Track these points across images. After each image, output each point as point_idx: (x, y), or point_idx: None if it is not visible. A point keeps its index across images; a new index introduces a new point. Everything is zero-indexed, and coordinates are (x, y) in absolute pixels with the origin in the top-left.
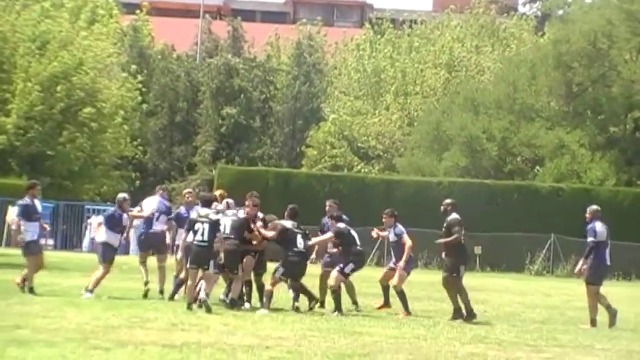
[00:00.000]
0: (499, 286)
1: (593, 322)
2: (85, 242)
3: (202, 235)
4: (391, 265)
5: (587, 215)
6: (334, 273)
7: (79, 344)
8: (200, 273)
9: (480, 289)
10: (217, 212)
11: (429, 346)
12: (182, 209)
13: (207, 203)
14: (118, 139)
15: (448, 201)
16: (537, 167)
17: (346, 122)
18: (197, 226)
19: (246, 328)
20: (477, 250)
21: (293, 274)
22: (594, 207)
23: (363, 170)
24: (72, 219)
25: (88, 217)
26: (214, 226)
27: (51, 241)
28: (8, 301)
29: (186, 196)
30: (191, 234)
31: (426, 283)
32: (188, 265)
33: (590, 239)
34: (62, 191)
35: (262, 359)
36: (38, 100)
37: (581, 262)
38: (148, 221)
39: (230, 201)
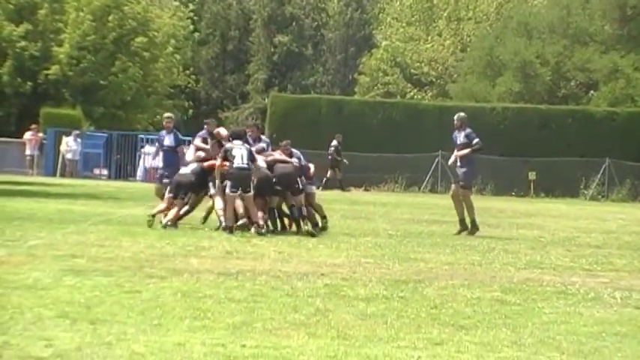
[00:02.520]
0: (554, 212)
1: None
2: (139, 172)
3: (242, 159)
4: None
5: None
6: None
7: (134, 273)
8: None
9: (534, 214)
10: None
11: (484, 272)
12: (162, 133)
13: (238, 136)
14: (170, 68)
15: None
16: (591, 91)
17: (399, 49)
18: (235, 151)
19: (300, 255)
20: (532, 175)
21: (237, 185)
22: None
23: (415, 97)
24: (125, 149)
25: (142, 147)
26: (252, 152)
27: (105, 171)
28: (64, 231)
29: (166, 121)
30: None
31: (480, 209)
32: (228, 190)
33: None
34: (115, 121)
35: (317, 286)
36: (90, 30)
37: None
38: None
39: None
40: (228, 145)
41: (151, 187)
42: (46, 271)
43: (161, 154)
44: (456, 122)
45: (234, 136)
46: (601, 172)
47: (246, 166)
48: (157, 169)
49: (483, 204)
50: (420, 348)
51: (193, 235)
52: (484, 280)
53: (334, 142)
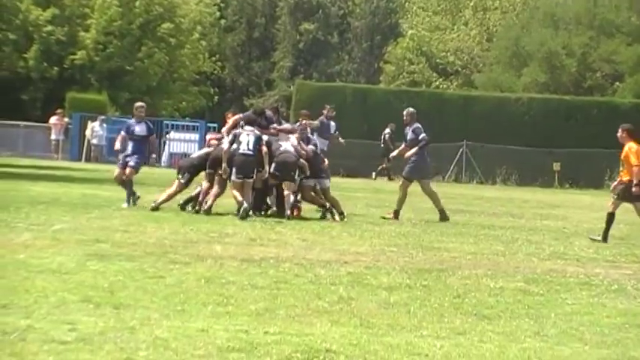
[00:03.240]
0: (578, 203)
1: None
2: (164, 157)
3: (247, 145)
4: None
5: None
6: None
7: (158, 258)
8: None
9: (558, 205)
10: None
11: (508, 262)
12: (132, 122)
13: (250, 122)
14: (196, 54)
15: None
16: (617, 83)
17: (424, 38)
18: (242, 137)
19: (324, 243)
20: (556, 166)
21: (241, 172)
22: None
23: (441, 86)
24: None
25: (167, 133)
26: (260, 138)
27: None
28: (89, 216)
29: (138, 110)
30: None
31: (504, 199)
32: (234, 176)
33: None
34: None
35: (340, 274)
36: (117, 15)
37: None
38: None
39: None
40: (237, 130)
41: (173, 172)
42: (70, 255)
43: (130, 142)
44: (405, 118)
45: (247, 121)
46: None
47: (250, 152)
48: (123, 154)
49: (507, 194)
50: (442, 337)
51: (217, 221)
52: (507, 271)
53: (387, 130)
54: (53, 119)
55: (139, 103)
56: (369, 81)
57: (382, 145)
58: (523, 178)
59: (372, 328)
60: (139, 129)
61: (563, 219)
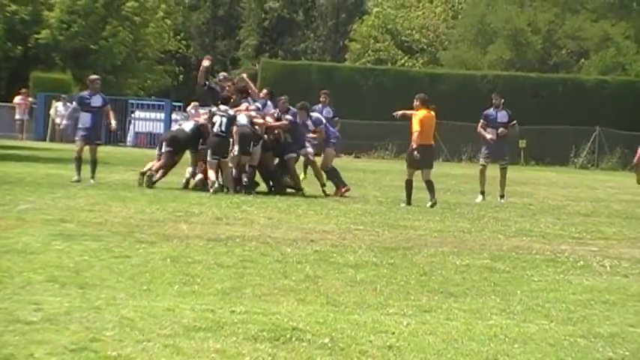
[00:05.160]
0: (544, 180)
1: None
2: (129, 136)
3: (220, 126)
4: None
5: None
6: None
7: (124, 238)
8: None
9: (524, 182)
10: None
11: (474, 239)
12: (86, 94)
13: (224, 102)
14: (161, 33)
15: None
16: (582, 60)
17: (390, 15)
18: (216, 118)
19: (290, 222)
20: (522, 143)
21: (216, 152)
22: None
23: (406, 64)
24: (116, 113)
25: (132, 112)
26: (231, 119)
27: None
28: (54, 195)
29: (95, 82)
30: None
31: (470, 177)
32: (209, 157)
33: None
34: (106, 86)
35: (307, 253)
36: None
37: None
38: None
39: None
40: (214, 108)
41: (142, 152)
42: (35, 235)
43: (88, 115)
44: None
45: (222, 100)
46: (591, 140)
47: (222, 133)
48: (75, 128)
49: (474, 171)
50: (409, 315)
51: (183, 200)
52: (473, 248)
53: None
54: (17, 99)
55: (94, 76)
56: (335, 59)
57: None
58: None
59: (339, 306)
60: (95, 100)
61: (529, 196)
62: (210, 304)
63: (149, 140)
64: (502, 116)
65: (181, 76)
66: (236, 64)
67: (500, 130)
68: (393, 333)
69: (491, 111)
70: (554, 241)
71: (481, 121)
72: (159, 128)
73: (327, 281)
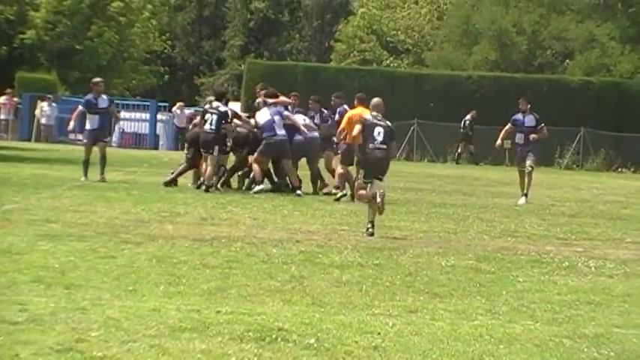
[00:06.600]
0: None
1: None
2: (115, 137)
3: (210, 124)
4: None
5: None
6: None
7: (109, 238)
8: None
9: (509, 183)
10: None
11: (459, 240)
12: (91, 97)
13: (219, 97)
14: (146, 33)
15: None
16: (567, 61)
17: (375, 16)
18: (207, 116)
19: (276, 222)
20: (507, 144)
21: (204, 148)
22: None
23: (392, 64)
24: None
25: (118, 112)
26: (222, 116)
27: (80, 136)
28: (39, 196)
29: (99, 84)
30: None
31: (455, 177)
32: (202, 151)
33: None
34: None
35: (292, 253)
36: None
37: None
38: None
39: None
40: (207, 106)
41: (127, 152)
42: (20, 235)
43: (96, 116)
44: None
45: (216, 96)
46: (576, 141)
47: (211, 131)
48: (89, 130)
49: (459, 172)
50: (394, 315)
51: (169, 200)
52: (459, 249)
53: (468, 117)
54: (2, 99)
55: (98, 79)
56: (320, 59)
57: (462, 131)
58: (474, 155)
59: (324, 307)
60: (101, 102)
61: (515, 197)
62: (195, 304)
63: (135, 140)
64: (529, 121)
65: (166, 77)
66: (221, 64)
67: (532, 136)
68: (379, 333)
69: (518, 116)
70: (539, 241)
71: (508, 124)
72: (144, 128)
73: (313, 282)
